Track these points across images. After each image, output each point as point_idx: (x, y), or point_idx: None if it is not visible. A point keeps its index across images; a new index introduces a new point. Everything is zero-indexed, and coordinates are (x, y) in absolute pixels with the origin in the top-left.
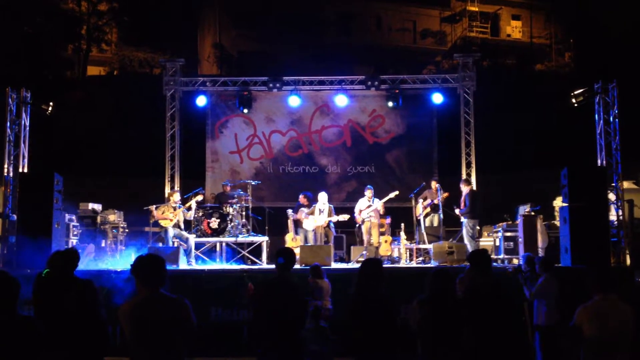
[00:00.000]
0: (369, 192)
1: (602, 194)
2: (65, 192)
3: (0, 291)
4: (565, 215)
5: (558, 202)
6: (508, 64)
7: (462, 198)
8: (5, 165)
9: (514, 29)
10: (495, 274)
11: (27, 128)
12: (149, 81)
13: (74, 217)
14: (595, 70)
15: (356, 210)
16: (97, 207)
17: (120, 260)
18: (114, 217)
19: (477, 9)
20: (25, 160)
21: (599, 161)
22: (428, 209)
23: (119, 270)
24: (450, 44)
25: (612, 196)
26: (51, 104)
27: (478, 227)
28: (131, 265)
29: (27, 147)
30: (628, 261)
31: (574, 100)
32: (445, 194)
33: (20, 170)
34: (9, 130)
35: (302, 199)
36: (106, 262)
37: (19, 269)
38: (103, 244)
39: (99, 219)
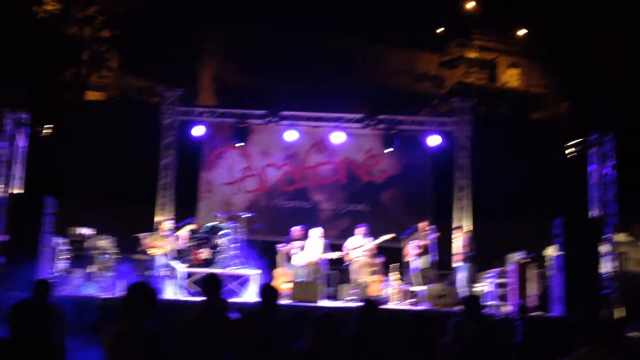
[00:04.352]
0: (360, 230)
1: (595, 245)
2: (58, 215)
3: None
4: (558, 265)
5: (550, 251)
6: (504, 110)
7: (465, 242)
8: None
9: (511, 77)
10: (486, 320)
11: (23, 149)
12: (147, 109)
13: (63, 241)
14: (591, 122)
15: (345, 247)
16: (88, 231)
17: (107, 287)
18: (103, 242)
19: (475, 56)
20: (20, 181)
21: (593, 212)
22: (419, 250)
23: (103, 297)
24: (447, 88)
25: (605, 248)
26: (48, 126)
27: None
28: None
29: (22, 169)
30: (619, 314)
31: (569, 151)
32: (436, 235)
33: (13, 191)
34: (2, 150)
35: (296, 231)
36: (92, 288)
37: (4, 291)
38: (90, 270)
39: (87, 244)
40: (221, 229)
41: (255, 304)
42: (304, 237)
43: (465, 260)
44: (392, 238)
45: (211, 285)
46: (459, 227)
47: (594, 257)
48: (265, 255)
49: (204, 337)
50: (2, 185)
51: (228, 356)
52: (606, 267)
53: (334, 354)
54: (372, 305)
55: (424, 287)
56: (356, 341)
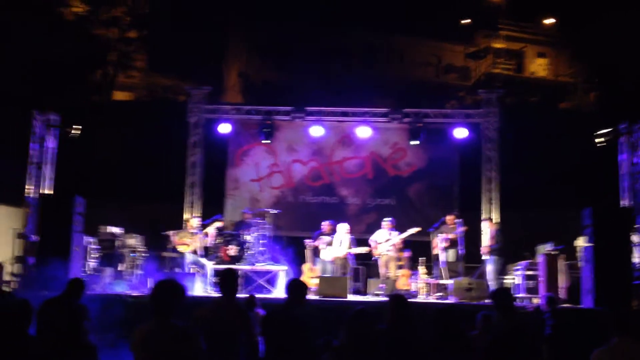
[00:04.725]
0: (387, 224)
1: (626, 236)
2: (87, 214)
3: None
4: (588, 256)
5: (580, 242)
6: (532, 101)
7: (492, 235)
8: (27, 187)
9: (538, 67)
10: (516, 313)
11: (52, 150)
12: (173, 108)
13: (93, 240)
14: (620, 111)
15: (372, 241)
16: (118, 230)
17: (137, 284)
18: (133, 241)
19: (502, 46)
20: (49, 182)
21: (623, 202)
22: (446, 244)
23: (133, 294)
24: (474, 79)
25: (635, 238)
26: (77, 127)
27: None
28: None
29: (52, 170)
30: None
31: (598, 140)
32: (463, 228)
33: (43, 191)
34: (32, 151)
35: (326, 226)
36: (122, 286)
37: (36, 290)
38: (120, 268)
39: (117, 242)
40: (248, 225)
41: (283, 299)
42: (332, 232)
43: (492, 252)
44: (420, 232)
45: (226, 282)
46: (488, 219)
47: (625, 247)
48: (293, 250)
49: (216, 333)
50: (33, 186)
51: (244, 353)
52: (637, 257)
53: (368, 349)
54: (401, 299)
55: (449, 281)
56: (387, 336)
